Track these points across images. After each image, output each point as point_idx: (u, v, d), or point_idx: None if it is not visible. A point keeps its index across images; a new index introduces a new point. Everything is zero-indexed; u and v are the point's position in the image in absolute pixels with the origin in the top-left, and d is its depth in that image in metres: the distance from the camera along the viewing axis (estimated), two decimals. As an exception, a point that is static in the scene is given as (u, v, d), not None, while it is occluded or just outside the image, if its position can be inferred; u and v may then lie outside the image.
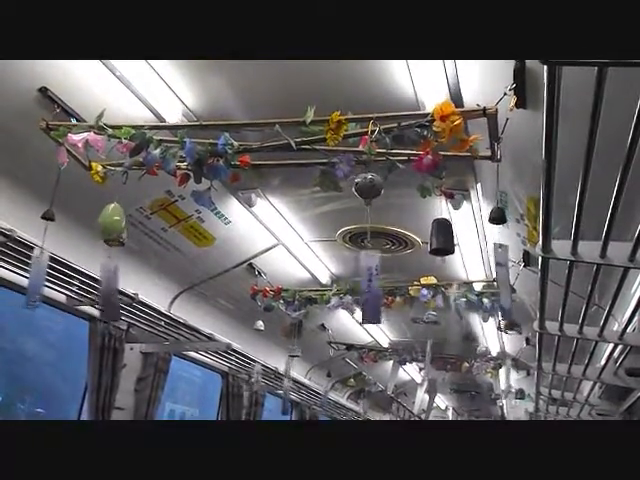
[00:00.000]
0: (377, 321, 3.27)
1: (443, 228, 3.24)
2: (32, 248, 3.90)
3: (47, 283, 4.44)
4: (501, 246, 3.23)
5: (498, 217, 3.16)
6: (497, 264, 3.26)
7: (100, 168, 3.34)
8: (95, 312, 5.12)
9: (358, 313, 7.01)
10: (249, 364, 7.23)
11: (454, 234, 3.27)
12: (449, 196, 3.22)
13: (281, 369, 7.74)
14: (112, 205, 3.28)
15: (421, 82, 3.27)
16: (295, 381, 8.44)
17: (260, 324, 6.31)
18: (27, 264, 4.06)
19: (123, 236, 3.41)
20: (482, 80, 3.06)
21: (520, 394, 9.36)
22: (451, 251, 3.26)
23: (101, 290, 3.58)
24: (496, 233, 4.71)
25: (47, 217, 3.32)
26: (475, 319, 7.43)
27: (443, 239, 3.22)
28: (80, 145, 3.09)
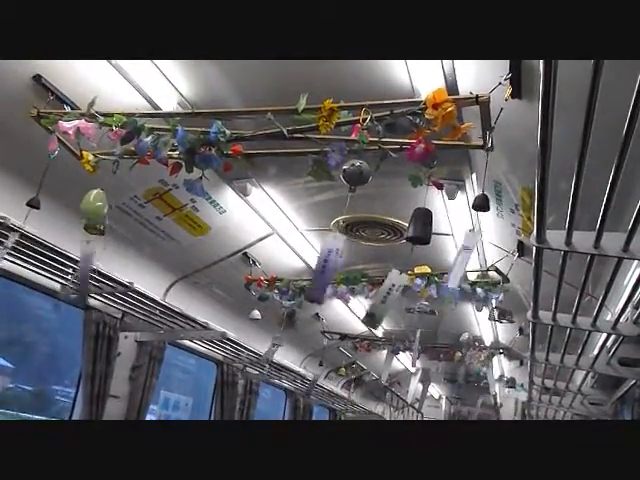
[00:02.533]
0: (321, 301, 3.35)
1: (422, 217, 3.21)
2: (23, 235, 3.89)
3: (41, 272, 4.45)
4: (472, 230, 3.24)
5: (481, 204, 3.14)
6: (464, 247, 3.29)
7: (91, 157, 3.32)
8: (90, 301, 5.12)
9: (352, 303, 7.02)
10: (244, 353, 7.24)
11: (432, 224, 3.25)
12: (438, 186, 3.19)
13: (275, 358, 7.76)
14: (94, 191, 3.25)
15: (417, 71, 3.26)
16: (289, 370, 8.47)
17: (256, 313, 6.31)
18: (19, 251, 4.05)
19: (103, 225, 3.39)
20: (478, 69, 3.05)
21: (511, 383, 9.41)
22: (427, 241, 3.23)
23: (78, 273, 3.67)
24: (490, 223, 4.72)
25: (32, 205, 3.30)
26: (468, 308, 7.46)
27: (420, 228, 3.20)
28: (71, 133, 3.06)
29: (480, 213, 4.30)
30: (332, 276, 3.25)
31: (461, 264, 3.39)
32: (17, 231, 3.87)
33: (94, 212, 3.23)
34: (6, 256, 4.14)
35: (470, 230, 3.26)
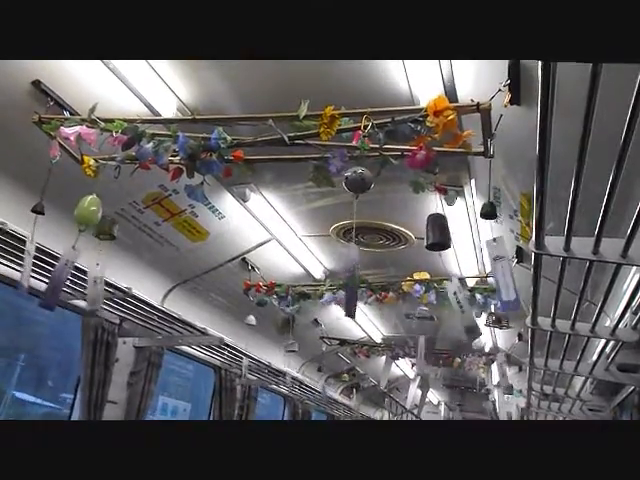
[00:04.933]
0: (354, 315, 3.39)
1: (439, 223, 3.23)
2: (24, 241, 3.88)
3: (38, 277, 4.44)
4: (495, 239, 3.20)
5: (489, 212, 3.16)
6: (496, 258, 3.20)
7: (92, 162, 3.33)
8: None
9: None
10: (242, 359, 7.23)
11: (449, 229, 3.25)
12: (442, 192, 3.21)
13: (274, 364, 7.75)
14: (89, 197, 3.27)
15: (416, 78, 3.27)
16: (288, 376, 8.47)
17: (251, 319, 6.30)
18: (19, 257, 4.04)
19: (115, 230, 3.40)
20: (477, 76, 3.06)
21: (509, 389, 9.40)
22: (447, 245, 3.24)
23: (50, 278, 3.62)
24: (489, 229, 4.72)
25: (37, 210, 3.31)
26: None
27: (439, 234, 3.21)
28: (72, 138, 3.07)
29: (479, 219, 4.32)
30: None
31: (504, 275, 3.28)
32: (25, 241, 3.85)
33: (87, 217, 3.26)
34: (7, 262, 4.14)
35: (491, 241, 3.21)
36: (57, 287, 3.54)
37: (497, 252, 3.16)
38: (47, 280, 4.52)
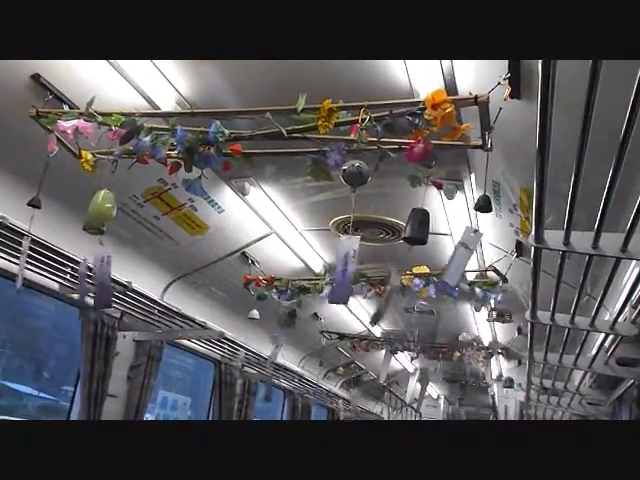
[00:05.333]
0: (345, 302, 3.36)
1: (419, 217, 3.20)
2: (23, 235, 3.88)
3: (39, 270, 4.44)
4: (476, 231, 3.22)
5: (484, 205, 3.16)
6: (463, 244, 3.23)
7: (90, 156, 3.31)
8: (89, 301, 5.10)
9: (351, 302, 7.02)
10: (242, 352, 7.25)
11: (429, 225, 3.23)
12: (438, 186, 3.19)
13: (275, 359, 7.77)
14: (102, 192, 3.23)
15: (416, 72, 3.26)
16: (288, 369, 8.48)
17: (255, 313, 6.31)
18: (18, 251, 4.04)
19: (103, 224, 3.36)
20: (477, 70, 3.05)
21: (509, 382, 9.43)
22: (423, 241, 3.22)
23: (94, 278, 3.57)
24: (489, 223, 4.72)
25: (33, 204, 3.30)
26: (467, 308, 7.47)
27: (417, 228, 3.18)
28: (70, 132, 3.06)
29: (479, 213, 4.31)
30: (352, 277, 3.32)
31: (459, 262, 3.33)
32: (28, 236, 3.83)
33: (102, 213, 3.20)
34: (4, 255, 4.14)
35: (472, 229, 3.22)
36: (105, 284, 3.51)
37: (468, 242, 3.21)
38: (51, 277, 4.57)
